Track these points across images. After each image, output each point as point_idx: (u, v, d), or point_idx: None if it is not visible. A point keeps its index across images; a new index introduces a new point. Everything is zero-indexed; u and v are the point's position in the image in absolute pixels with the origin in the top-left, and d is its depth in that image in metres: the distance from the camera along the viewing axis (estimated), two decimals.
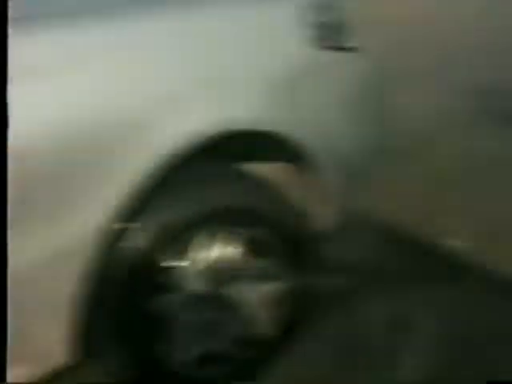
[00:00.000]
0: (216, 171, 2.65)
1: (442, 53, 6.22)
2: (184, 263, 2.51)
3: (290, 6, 2.78)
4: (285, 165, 2.81)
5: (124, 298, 2.42)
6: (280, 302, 2.75)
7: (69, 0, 2.33)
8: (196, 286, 2.54)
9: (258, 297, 2.70)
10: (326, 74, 2.84)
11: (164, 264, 2.46)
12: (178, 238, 2.48)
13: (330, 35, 2.85)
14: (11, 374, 2.02)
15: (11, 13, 1.87)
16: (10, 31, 1.85)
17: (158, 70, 2.37)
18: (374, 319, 3.19)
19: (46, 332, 2.30)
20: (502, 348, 3.05)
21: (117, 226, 2.31)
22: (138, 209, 2.34)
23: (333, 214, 2.91)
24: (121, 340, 2.49)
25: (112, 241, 2.32)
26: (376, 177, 3.23)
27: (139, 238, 2.41)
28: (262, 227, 2.65)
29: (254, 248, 2.64)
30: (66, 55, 2.19)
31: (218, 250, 2.58)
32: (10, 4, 1.88)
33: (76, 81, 2.17)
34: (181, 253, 2.50)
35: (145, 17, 2.40)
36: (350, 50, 2.94)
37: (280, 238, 2.70)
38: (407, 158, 4.55)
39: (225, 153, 2.60)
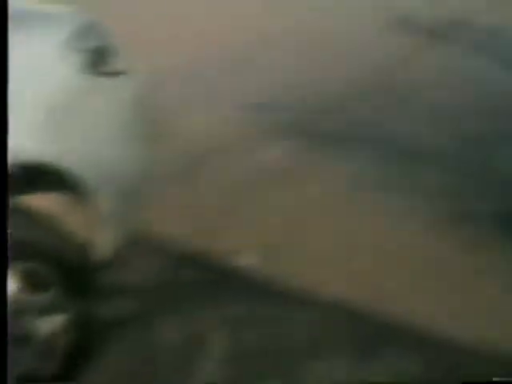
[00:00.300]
0: None
1: (222, 71, 6.32)
2: None
3: (62, 32, 2.77)
4: (60, 194, 2.77)
5: None
6: (67, 332, 2.71)
7: None
8: None
9: (43, 330, 2.65)
10: (97, 99, 2.84)
11: None
12: None
13: (100, 60, 2.85)
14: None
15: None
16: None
17: None
18: (168, 339, 3.20)
19: None
20: (295, 359, 3.14)
21: None
22: None
23: (113, 239, 2.90)
24: None
25: None
26: (157, 199, 3.25)
27: None
28: (40, 260, 2.61)
29: (34, 281, 2.59)
30: None
31: None
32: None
33: None
34: None
35: None
36: (121, 74, 2.95)
37: (60, 269, 2.66)
38: (190, 178, 4.60)
39: None
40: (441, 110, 5.58)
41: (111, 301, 3.12)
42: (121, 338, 3.13)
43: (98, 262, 2.84)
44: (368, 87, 5.98)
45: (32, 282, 2.60)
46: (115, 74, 2.92)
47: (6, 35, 1.88)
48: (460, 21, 7.30)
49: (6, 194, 1.88)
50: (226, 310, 3.44)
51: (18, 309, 2.57)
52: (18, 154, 2.47)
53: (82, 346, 2.81)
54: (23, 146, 2.51)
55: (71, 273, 2.69)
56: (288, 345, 3.24)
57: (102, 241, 2.85)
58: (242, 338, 3.25)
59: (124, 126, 2.94)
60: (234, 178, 4.64)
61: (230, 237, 4.04)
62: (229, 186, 4.55)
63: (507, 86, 5.99)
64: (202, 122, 5.30)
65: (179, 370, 3.03)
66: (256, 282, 3.69)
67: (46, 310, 2.65)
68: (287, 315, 3.44)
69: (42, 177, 2.63)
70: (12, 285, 2.55)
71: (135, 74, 3.05)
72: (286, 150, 4.99)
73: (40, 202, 2.75)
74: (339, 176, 4.70)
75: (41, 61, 2.68)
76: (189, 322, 3.34)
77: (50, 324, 2.67)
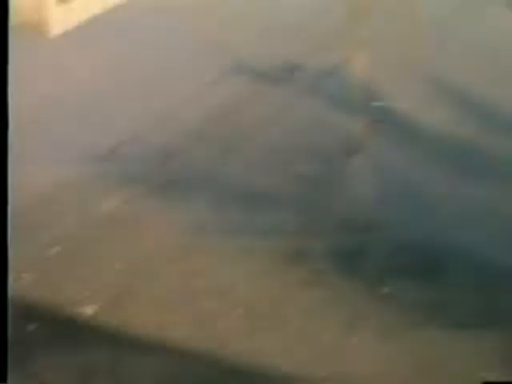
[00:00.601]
0: None
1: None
2: None
3: None
4: None
5: None
6: None
7: None
8: None
9: None
10: None
11: None
12: None
13: None
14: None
15: None
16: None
17: None
18: None
19: None
20: None
21: None
22: None
23: None
24: None
25: None
26: None
27: None
28: None
29: None
30: None
31: None
32: None
33: None
34: None
35: None
36: None
37: None
38: (29, 229, 4.55)
39: None
40: (275, 152, 5.72)
41: None
42: None
43: None
44: (204, 133, 6.06)
45: None
46: None
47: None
48: (294, 64, 7.49)
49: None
50: (72, 360, 3.43)
51: None
52: None
53: None
54: None
55: None
56: None
57: None
58: None
59: None
60: (73, 230, 4.62)
61: (72, 287, 4.03)
62: (68, 237, 4.53)
63: (339, 126, 6.19)
64: (42, 173, 5.24)
65: None
66: (100, 330, 3.70)
67: None
68: (133, 361, 3.46)
69: None
70: None
71: None
72: (124, 199, 5.01)
73: None
74: (177, 221, 4.77)
75: None
76: (35, 373, 3.31)
77: None
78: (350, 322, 3.82)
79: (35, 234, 4.53)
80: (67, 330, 3.72)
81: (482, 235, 4.62)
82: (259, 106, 6.59)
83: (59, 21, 8.66)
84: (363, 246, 4.50)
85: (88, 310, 3.84)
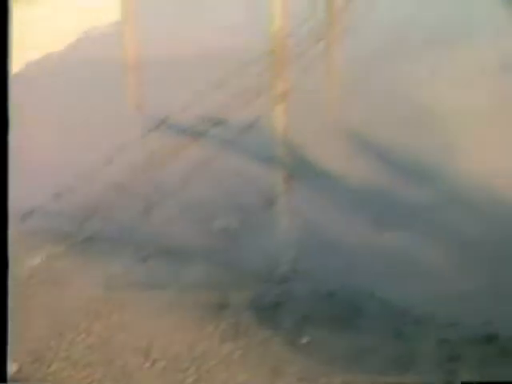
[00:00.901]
0: None
1: None
2: None
3: None
4: None
5: None
6: None
7: None
8: None
9: None
10: None
11: None
12: None
13: None
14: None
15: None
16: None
17: None
18: None
19: None
20: None
21: None
22: None
23: None
24: None
25: None
26: None
27: None
28: None
29: None
30: None
31: None
32: None
33: None
34: None
35: None
36: None
37: None
38: None
39: None
40: (196, 206, 5.78)
41: None
42: None
43: None
44: (126, 188, 6.09)
45: None
46: None
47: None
48: (214, 118, 7.55)
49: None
50: None
51: None
52: None
53: None
54: None
55: None
56: None
57: None
58: None
59: None
60: None
61: None
62: None
63: (258, 179, 6.27)
64: None
65: None
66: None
67: None
68: None
69: None
70: None
71: None
72: (45, 256, 5.01)
73: None
74: (100, 277, 4.81)
75: None
76: None
77: None
78: (273, 371, 3.88)
79: None
80: None
81: (399, 284, 4.73)
82: (180, 161, 6.65)
83: None
84: (282, 297, 4.57)
85: (11, 368, 3.83)
